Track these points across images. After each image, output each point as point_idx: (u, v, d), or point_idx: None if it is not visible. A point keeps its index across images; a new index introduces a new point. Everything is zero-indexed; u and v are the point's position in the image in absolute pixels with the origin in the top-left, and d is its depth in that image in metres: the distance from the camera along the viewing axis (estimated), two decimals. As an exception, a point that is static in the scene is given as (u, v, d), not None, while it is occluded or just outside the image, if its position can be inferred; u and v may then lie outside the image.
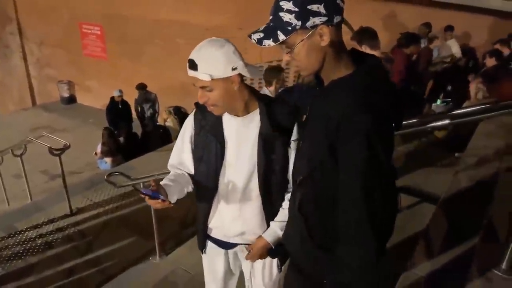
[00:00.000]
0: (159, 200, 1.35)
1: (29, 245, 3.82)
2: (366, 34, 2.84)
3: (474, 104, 4.05)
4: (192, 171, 1.61)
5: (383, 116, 1.08)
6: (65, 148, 4.35)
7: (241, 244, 1.66)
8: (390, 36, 5.44)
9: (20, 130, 8.73)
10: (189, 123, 1.60)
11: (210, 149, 1.52)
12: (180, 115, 8.30)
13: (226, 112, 1.50)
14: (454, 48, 6.41)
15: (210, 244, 1.73)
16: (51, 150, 4.29)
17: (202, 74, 1.37)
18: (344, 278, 1.15)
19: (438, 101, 5.54)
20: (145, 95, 8.08)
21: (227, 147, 1.51)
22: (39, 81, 12.77)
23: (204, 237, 1.70)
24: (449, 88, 5.79)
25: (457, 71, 5.72)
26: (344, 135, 1.06)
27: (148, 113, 8.08)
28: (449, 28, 6.37)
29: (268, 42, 1.09)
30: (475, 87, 4.42)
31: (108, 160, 6.75)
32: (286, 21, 1.07)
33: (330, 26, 1.07)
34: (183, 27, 9.69)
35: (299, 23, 1.06)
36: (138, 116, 8.13)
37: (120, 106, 8.00)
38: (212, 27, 9.39)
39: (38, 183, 6.26)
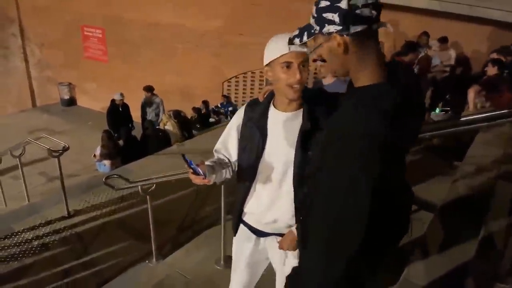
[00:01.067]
0: (201, 176, 1.45)
1: (25, 246, 3.80)
2: None
3: (480, 112, 4.06)
4: (235, 158, 1.73)
5: (396, 129, 1.05)
6: (64, 150, 4.34)
7: (272, 234, 1.74)
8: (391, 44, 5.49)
9: (19, 131, 8.72)
10: (240, 114, 1.71)
11: (254, 139, 1.62)
12: (180, 119, 8.32)
13: (276, 107, 1.60)
14: (452, 57, 6.46)
15: (242, 228, 1.81)
16: (50, 152, 4.29)
17: (308, 50, 1.44)
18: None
19: (437, 110, 5.57)
20: (150, 98, 8.10)
21: (268, 140, 1.60)
22: (40, 82, 12.81)
23: (238, 220, 1.79)
24: (447, 96, 5.82)
25: (455, 80, 5.75)
26: (341, 149, 1.07)
27: (150, 116, 8.09)
28: (443, 40, 6.42)
29: (296, 41, 1.18)
30: (473, 96, 4.44)
31: (107, 162, 6.75)
32: (311, 24, 1.14)
33: (346, 35, 1.08)
34: (181, 31, 9.76)
35: (318, 28, 1.12)
36: (141, 118, 8.15)
37: (120, 109, 8.01)
38: (210, 32, 9.46)
39: (36, 184, 6.25)
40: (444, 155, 4.47)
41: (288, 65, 1.46)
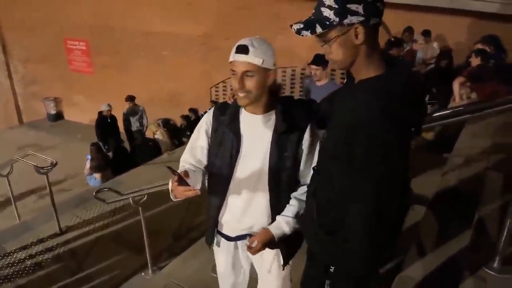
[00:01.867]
0: (190, 187, 1.40)
1: (18, 267, 3.74)
2: None
3: (469, 103, 4.09)
4: (204, 163, 1.67)
5: (402, 122, 1.12)
6: (52, 166, 4.29)
7: (249, 234, 1.71)
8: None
9: (7, 149, 8.60)
10: (207, 119, 1.66)
11: (227, 143, 1.58)
12: (170, 127, 8.29)
13: (245, 110, 1.57)
14: (436, 50, 6.52)
15: (218, 238, 1.79)
16: (37, 169, 4.23)
17: (254, 58, 1.43)
18: (349, 266, 1.25)
19: (424, 103, 5.61)
20: (133, 107, 8.05)
21: (242, 143, 1.57)
22: (25, 98, 12.68)
23: (213, 231, 1.77)
24: (434, 89, 5.86)
25: (440, 72, 5.79)
26: (361, 138, 1.10)
27: (135, 126, 8.03)
28: (426, 33, 6.48)
29: (306, 33, 1.15)
30: (458, 87, 4.47)
31: (97, 175, 6.68)
32: (325, 16, 1.12)
33: (366, 26, 1.11)
34: (169, 39, 9.73)
35: (337, 19, 1.11)
36: (124, 129, 8.08)
37: (109, 121, 7.95)
38: (197, 38, 9.45)
39: (27, 202, 6.17)
40: (433, 148, 4.50)
41: (234, 72, 1.46)
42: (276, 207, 1.61)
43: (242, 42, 1.45)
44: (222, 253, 1.83)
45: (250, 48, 1.42)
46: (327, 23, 1.12)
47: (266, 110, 1.56)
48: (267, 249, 1.65)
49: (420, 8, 6.70)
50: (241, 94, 1.48)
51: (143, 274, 3.50)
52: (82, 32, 11.02)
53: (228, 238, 1.76)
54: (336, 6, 1.10)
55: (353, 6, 1.09)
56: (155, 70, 10.13)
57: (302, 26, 1.16)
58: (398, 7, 6.87)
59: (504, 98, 2.19)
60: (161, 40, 9.87)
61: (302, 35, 1.16)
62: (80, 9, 10.53)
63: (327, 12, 1.12)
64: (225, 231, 1.75)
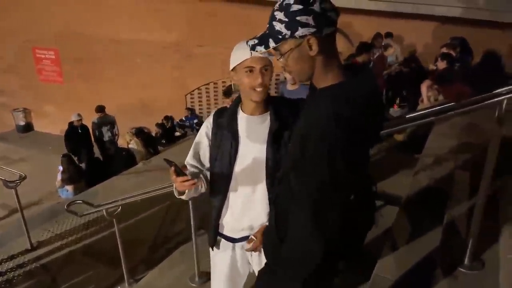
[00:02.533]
0: (185, 177, 1.46)
1: (-13, 285, 3.60)
2: None
3: (437, 105, 4.21)
4: (208, 166, 1.73)
5: (354, 130, 1.11)
6: (21, 179, 4.15)
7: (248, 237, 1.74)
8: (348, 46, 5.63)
9: (-26, 163, 8.26)
10: (208, 122, 1.73)
11: (225, 145, 1.64)
12: (144, 136, 8.16)
13: (243, 111, 1.64)
14: (398, 53, 6.72)
15: (221, 241, 1.81)
16: (5, 183, 4.08)
17: (269, 55, 1.46)
18: (289, 273, 1.28)
19: (395, 106, 5.76)
20: (104, 118, 7.88)
21: (240, 143, 1.63)
22: (-8, 110, 12.23)
23: (215, 233, 1.79)
24: (404, 93, 6.03)
25: (409, 76, 5.97)
26: (310, 144, 1.11)
27: (106, 136, 7.86)
28: (389, 35, 6.67)
29: (260, 48, 1.18)
30: (426, 90, 4.62)
31: (69, 188, 6.50)
32: (277, 29, 1.13)
33: (319, 37, 1.12)
34: (140, 46, 9.63)
35: (288, 32, 1.12)
36: (95, 140, 7.91)
37: (80, 131, 7.76)
38: (169, 45, 9.39)
39: (-4, 218, 5.93)
40: (404, 149, 4.62)
41: (251, 69, 1.52)
42: None
43: (253, 40, 1.50)
44: (221, 255, 1.84)
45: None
46: (279, 36, 1.14)
47: (263, 110, 1.63)
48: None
49: (388, 14, 6.90)
50: (259, 89, 1.53)
51: (119, 287, 3.42)
52: (50, 41, 10.76)
53: (229, 239, 1.78)
54: (286, 20, 1.11)
55: (302, 18, 1.10)
56: (128, 79, 10.00)
57: (256, 41, 1.18)
58: (367, 13, 7.06)
59: (468, 99, 2.27)
60: (133, 48, 9.76)
61: (257, 51, 1.19)
62: (48, 17, 10.28)
63: (278, 26, 1.13)
64: (226, 232, 1.77)
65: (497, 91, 1.87)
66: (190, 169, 1.74)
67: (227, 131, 1.64)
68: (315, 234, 1.16)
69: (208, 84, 9.14)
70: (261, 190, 1.65)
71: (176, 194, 1.66)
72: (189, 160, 1.76)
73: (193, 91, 9.41)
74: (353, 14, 7.27)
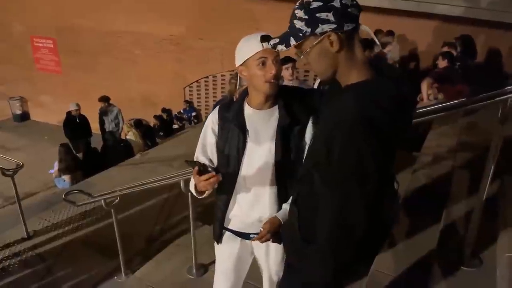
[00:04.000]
0: (210, 174, 1.45)
1: (-17, 273, 3.58)
2: None
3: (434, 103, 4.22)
4: (215, 161, 1.70)
5: (381, 131, 1.07)
6: (18, 168, 4.12)
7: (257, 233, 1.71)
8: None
9: (-31, 151, 8.21)
10: (213, 117, 1.69)
11: (233, 139, 1.61)
12: (142, 128, 8.14)
13: (250, 106, 1.61)
14: (397, 49, 6.71)
15: (226, 234, 1.79)
16: (2, 171, 4.05)
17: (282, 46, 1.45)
18: (312, 279, 1.24)
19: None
20: (107, 108, 7.86)
21: (249, 138, 1.60)
22: (-12, 98, 12.14)
23: (220, 227, 1.78)
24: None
25: (409, 74, 5.96)
26: (337, 144, 1.09)
27: (110, 127, 7.84)
28: (390, 33, 6.66)
29: (281, 47, 1.18)
30: (426, 88, 4.62)
31: (66, 177, 6.47)
32: (298, 27, 1.13)
33: (340, 33, 1.10)
34: (140, 38, 9.57)
35: (309, 29, 1.11)
36: (100, 129, 7.91)
37: (77, 121, 7.72)
38: (169, 37, 9.33)
39: (-8, 206, 5.90)
40: (403, 147, 4.62)
41: (264, 61, 1.49)
42: (284, 200, 1.63)
43: (262, 33, 1.48)
44: (227, 249, 1.83)
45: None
46: (300, 34, 1.13)
47: (271, 104, 1.60)
48: (272, 245, 1.69)
49: (389, 12, 6.88)
50: (273, 81, 1.52)
51: (115, 278, 3.42)
52: (49, 31, 10.67)
53: (236, 234, 1.77)
54: (306, 17, 1.11)
55: (322, 15, 1.09)
56: (126, 70, 9.94)
57: (277, 40, 1.18)
58: (368, 10, 7.03)
59: (468, 99, 2.27)
60: (132, 40, 9.70)
61: (278, 50, 1.19)
62: (47, 7, 10.18)
63: (299, 24, 1.12)
64: (232, 226, 1.76)
65: (501, 89, 1.86)
66: None
67: (234, 125, 1.61)
68: (340, 243, 1.15)
69: (207, 77, 9.11)
70: (270, 185, 1.63)
71: (196, 194, 1.64)
72: (200, 156, 1.72)
73: (192, 83, 9.36)
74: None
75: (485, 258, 2.15)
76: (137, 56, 9.86)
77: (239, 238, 1.78)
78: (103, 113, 7.85)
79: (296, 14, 1.13)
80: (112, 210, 3.23)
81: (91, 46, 10.16)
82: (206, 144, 1.71)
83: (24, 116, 11.69)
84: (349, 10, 1.10)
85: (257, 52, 1.49)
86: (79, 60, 10.47)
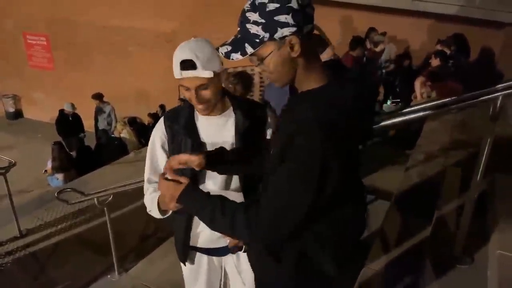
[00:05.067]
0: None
1: (-25, 272, 3.55)
2: None
3: (427, 101, 4.24)
4: None
5: (339, 134, 1.03)
6: (11, 165, 4.08)
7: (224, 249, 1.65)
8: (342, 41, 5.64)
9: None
10: (159, 132, 1.55)
11: (187, 151, 1.45)
12: (136, 126, 8.11)
13: (200, 113, 1.49)
14: (393, 52, 6.75)
15: (191, 253, 1.69)
16: (-6, 169, 4.02)
17: (204, 72, 1.33)
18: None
19: (388, 102, 5.79)
20: (100, 106, 7.81)
21: (204, 149, 1.47)
22: (-20, 96, 12.02)
23: (185, 247, 1.65)
24: (397, 89, 6.07)
25: (402, 72, 6.00)
26: (295, 147, 1.02)
27: (102, 125, 7.80)
28: (382, 34, 6.69)
29: (236, 56, 1.04)
30: (420, 86, 4.64)
31: (59, 176, 6.43)
32: (253, 33, 1.02)
33: (300, 36, 1.02)
34: (133, 34, 9.51)
35: (267, 35, 1.01)
36: (94, 128, 7.88)
37: (70, 119, 7.68)
38: (164, 34, 9.28)
39: (-16, 205, 5.85)
40: (396, 145, 4.66)
41: (186, 88, 1.39)
42: None
43: (184, 55, 1.34)
44: (196, 270, 1.73)
45: (197, 62, 1.32)
46: (257, 40, 1.02)
47: (222, 110, 1.50)
48: (242, 256, 1.63)
49: (383, 10, 6.90)
50: (200, 107, 1.41)
51: (109, 276, 3.40)
52: (41, 26, 10.56)
53: (203, 251, 1.67)
54: (263, 21, 0.99)
55: (281, 18, 0.98)
56: (120, 67, 9.88)
57: (230, 48, 1.04)
58: (361, 8, 7.06)
59: (462, 95, 2.29)
60: (126, 36, 9.63)
61: (233, 59, 1.04)
62: (39, 2, 10.08)
63: (254, 29, 1.01)
64: (199, 244, 1.65)
65: (492, 88, 1.87)
66: (152, 186, 1.55)
67: (187, 137, 1.48)
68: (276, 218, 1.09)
69: (201, 74, 9.09)
70: (235, 193, 1.53)
71: (158, 214, 1.51)
72: (151, 177, 1.56)
73: (186, 81, 9.34)
74: (348, 8, 7.26)
75: (476, 255, 2.16)
76: (131, 52, 9.81)
77: (206, 256, 1.69)
78: (96, 112, 7.81)
79: (249, 17, 1.02)
80: (105, 208, 3.21)
81: (84, 41, 10.08)
82: (158, 164, 1.55)
83: (17, 114, 11.60)
84: (306, 10, 1.02)
85: (179, 79, 1.38)
86: (72, 56, 10.39)
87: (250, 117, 1.49)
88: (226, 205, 1.16)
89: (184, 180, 1.24)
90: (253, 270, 1.46)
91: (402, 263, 2.27)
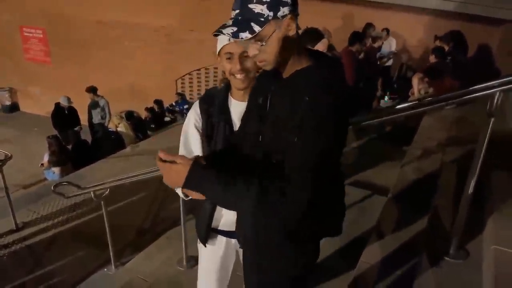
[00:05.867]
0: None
1: (-29, 265, 3.55)
2: (306, 36, 2.86)
3: (422, 97, 4.25)
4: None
5: (342, 104, 1.11)
6: (7, 159, 4.07)
7: None
8: (343, 36, 5.63)
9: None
10: (194, 114, 1.60)
11: (220, 135, 1.53)
12: (133, 120, 8.09)
13: (233, 98, 1.55)
14: (393, 46, 6.75)
15: (212, 235, 1.72)
16: (-10, 162, 4.01)
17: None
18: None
19: (386, 98, 5.79)
20: (94, 99, 7.77)
21: (235, 130, 1.52)
22: (-24, 89, 11.94)
23: (208, 229, 1.69)
24: (395, 85, 6.08)
25: (401, 68, 6.01)
26: (309, 115, 1.06)
27: (96, 119, 7.76)
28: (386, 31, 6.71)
29: (245, 35, 1.04)
30: (417, 82, 4.65)
31: (56, 170, 6.41)
32: (257, 12, 1.04)
33: (295, 16, 1.07)
34: (131, 29, 9.45)
35: (271, 13, 1.04)
36: (88, 122, 7.82)
37: (66, 112, 7.64)
38: (160, 29, 9.24)
39: (-21, 198, 5.83)
40: (393, 141, 4.67)
41: (230, 56, 1.43)
42: None
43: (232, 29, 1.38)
44: (213, 251, 1.77)
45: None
46: (262, 19, 1.04)
47: None
48: None
49: (381, 5, 6.89)
50: (241, 76, 1.45)
51: (105, 270, 3.41)
52: (39, 20, 10.49)
53: (223, 234, 1.71)
54: (268, 0, 1.04)
55: None
56: (117, 62, 9.83)
57: (236, 29, 1.05)
58: (361, 3, 7.05)
59: (457, 92, 2.29)
60: (123, 31, 9.58)
61: (242, 38, 1.04)
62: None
63: (258, 8, 1.04)
64: (220, 227, 1.69)
65: (489, 83, 1.87)
66: None
67: (220, 120, 1.54)
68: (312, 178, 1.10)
69: (199, 69, 9.05)
70: None
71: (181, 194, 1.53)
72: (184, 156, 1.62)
73: (184, 76, 9.30)
74: (348, 4, 7.25)
75: (472, 250, 2.17)
76: (128, 47, 9.76)
77: (225, 238, 1.73)
78: (92, 106, 7.76)
79: None
80: (102, 202, 3.21)
81: (81, 36, 10.03)
82: (191, 142, 1.61)
83: (13, 107, 11.54)
84: None
85: (224, 46, 1.43)
86: (69, 50, 10.33)
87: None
88: (249, 181, 1.11)
89: (182, 161, 1.14)
90: (250, 268, 1.47)
91: (397, 258, 2.27)
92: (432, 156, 3.47)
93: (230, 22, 1.08)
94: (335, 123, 1.09)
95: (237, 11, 1.07)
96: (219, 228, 1.70)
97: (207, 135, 1.57)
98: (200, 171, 1.13)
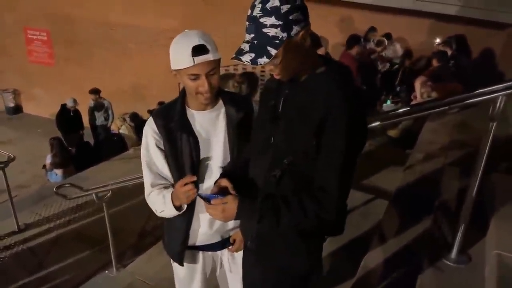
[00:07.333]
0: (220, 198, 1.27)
1: (-27, 266, 3.56)
2: None
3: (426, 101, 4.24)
4: (171, 178, 1.54)
5: (361, 106, 1.22)
6: (9, 160, 4.09)
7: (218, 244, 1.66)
8: (342, 39, 5.63)
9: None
10: (151, 132, 1.50)
11: (184, 149, 1.47)
12: (137, 121, 8.10)
13: (190, 108, 1.51)
14: (399, 50, 6.73)
15: (187, 253, 1.66)
16: (-7, 163, 4.03)
17: (215, 54, 1.38)
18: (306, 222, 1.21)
19: (388, 102, 5.78)
20: (98, 101, 7.80)
21: (200, 144, 1.48)
22: (-20, 91, 11.99)
23: (182, 247, 1.62)
24: (398, 89, 6.06)
25: (403, 72, 6.00)
26: (331, 121, 1.13)
27: (99, 121, 7.78)
28: (388, 37, 6.68)
29: (263, 60, 1.10)
30: (420, 86, 4.65)
31: (59, 171, 6.43)
32: (272, 35, 1.09)
33: (308, 28, 1.14)
34: (134, 31, 9.49)
35: (285, 34, 1.09)
36: (90, 124, 7.83)
37: (71, 114, 7.67)
38: (164, 31, 9.26)
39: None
40: (397, 145, 4.66)
41: (195, 77, 1.37)
42: None
43: (195, 41, 1.34)
44: (190, 269, 1.71)
45: (208, 46, 1.35)
46: (277, 42, 1.09)
47: (213, 104, 1.50)
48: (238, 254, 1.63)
49: (383, 9, 6.88)
50: (208, 95, 1.40)
51: (107, 272, 3.41)
52: (42, 22, 10.54)
53: (200, 248, 1.66)
54: (281, 23, 1.08)
55: (294, 16, 1.09)
56: (120, 63, 9.86)
57: (253, 55, 1.10)
58: (364, 7, 7.04)
59: (460, 96, 2.29)
60: (126, 33, 9.61)
61: (260, 64, 1.10)
62: (40, -2, 10.07)
63: (273, 32, 1.09)
64: (196, 242, 1.63)
65: (492, 87, 1.87)
66: (155, 190, 1.51)
67: (182, 133, 1.46)
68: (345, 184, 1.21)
69: (202, 72, 9.08)
70: None
71: (172, 212, 1.47)
72: (154, 181, 1.52)
73: (186, 78, 9.32)
74: (349, 8, 7.25)
75: (474, 255, 2.17)
76: (131, 49, 9.79)
77: (200, 252, 1.68)
78: (94, 108, 7.77)
79: (265, 23, 1.08)
80: (103, 204, 3.21)
81: (85, 38, 10.06)
82: (156, 163, 1.52)
83: (16, 109, 11.57)
84: (304, 4, 1.13)
85: (188, 67, 1.35)
86: (72, 53, 10.37)
87: (240, 109, 1.51)
88: (285, 201, 1.20)
89: (230, 199, 1.24)
90: (253, 269, 1.47)
91: (399, 262, 2.27)
92: (435, 159, 3.46)
93: (247, 47, 1.12)
94: (360, 124, 1.19)
95: (252, 35, 1.12)
96: (196, 244, 1.64)
97: (171, 152, 1.49)
98: (247, 204, 1.25)
